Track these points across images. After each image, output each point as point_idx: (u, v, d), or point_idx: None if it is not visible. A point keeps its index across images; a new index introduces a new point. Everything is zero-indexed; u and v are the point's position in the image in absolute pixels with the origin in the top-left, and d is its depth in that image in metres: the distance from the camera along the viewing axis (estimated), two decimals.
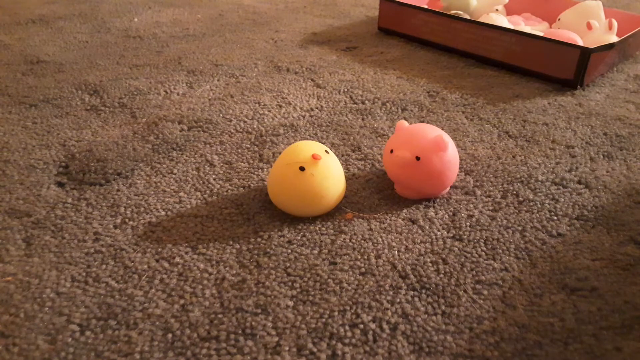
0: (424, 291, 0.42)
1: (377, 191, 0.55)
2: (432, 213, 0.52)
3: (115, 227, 0.50)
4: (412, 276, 0.44)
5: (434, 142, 0.50)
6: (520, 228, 0.50)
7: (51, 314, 0.40)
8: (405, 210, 0.52)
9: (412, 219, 0.51)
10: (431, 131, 0.52)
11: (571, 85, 0.82)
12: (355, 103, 0.75)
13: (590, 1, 0.98)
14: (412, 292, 0.42)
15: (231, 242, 0.48)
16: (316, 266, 0.45)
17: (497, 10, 1.07)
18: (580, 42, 0.86)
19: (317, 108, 0.74)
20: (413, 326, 0.39)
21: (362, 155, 0.62)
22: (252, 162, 0.60)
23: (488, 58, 0.91)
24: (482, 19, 0.97)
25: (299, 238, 0.48)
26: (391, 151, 0.52)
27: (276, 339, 0.38)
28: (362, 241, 0.48)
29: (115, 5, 1.21)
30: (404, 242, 0.48)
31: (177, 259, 0.46)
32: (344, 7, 1.27)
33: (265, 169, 0.59)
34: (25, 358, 0.37)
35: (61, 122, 0.68)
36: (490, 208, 0.53)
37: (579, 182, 0.57)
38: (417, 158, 0.50)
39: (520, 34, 0.86)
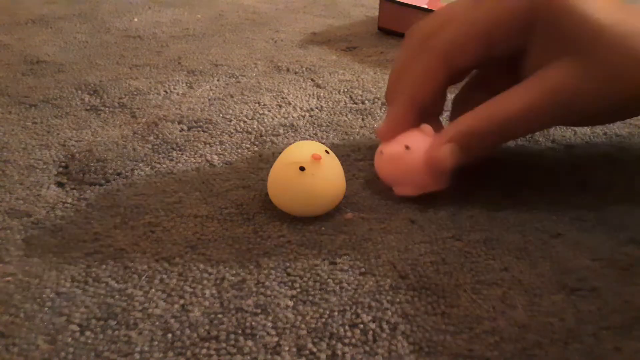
0: (424, 291, 0.42)
1: (377, 191, 0.55)
2: (432, 213, 0.52)
3: (115, 227, 0.50)
4: (412, 276, 0.44)
5: (420, 131, 0.51)
6: (520, 228, 0.50)
7: (51, 314, 0.40)
8: (405, 210, 0.52)
9: (412, 219, 0.51)
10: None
11: None
12: (355, 103, 0.75)
13: None
14: (412, 292, 0.42)
15: (231, 242, 0.48)
16: (316, 266, 0.45)
17: None
18: None
19: (317, 108, 0.74)
20: (413, 326, 0.39)
21: (362, 155, 0.62)
22: (252, 162, 0.60)
23: None
24: None
25: (298, 238, 0.48)
26: (381, 153, 0.52)
27: (276, 339, 0.38)
28: (362, 241, 0.48)
29: (115, 5, 1.21)
30: (404, 242, 0.48)
31: (177, 259, 0.46)
32: (344, 7, 1.27)
33: (265, 169, 0.59)
34: (25, 358, 0.36)
35: (61, 122, 0.68)
36: (490, 208, 0.53)
37: (579, 182, 0.57)
38: (407, 147, 0.50)
39: None
